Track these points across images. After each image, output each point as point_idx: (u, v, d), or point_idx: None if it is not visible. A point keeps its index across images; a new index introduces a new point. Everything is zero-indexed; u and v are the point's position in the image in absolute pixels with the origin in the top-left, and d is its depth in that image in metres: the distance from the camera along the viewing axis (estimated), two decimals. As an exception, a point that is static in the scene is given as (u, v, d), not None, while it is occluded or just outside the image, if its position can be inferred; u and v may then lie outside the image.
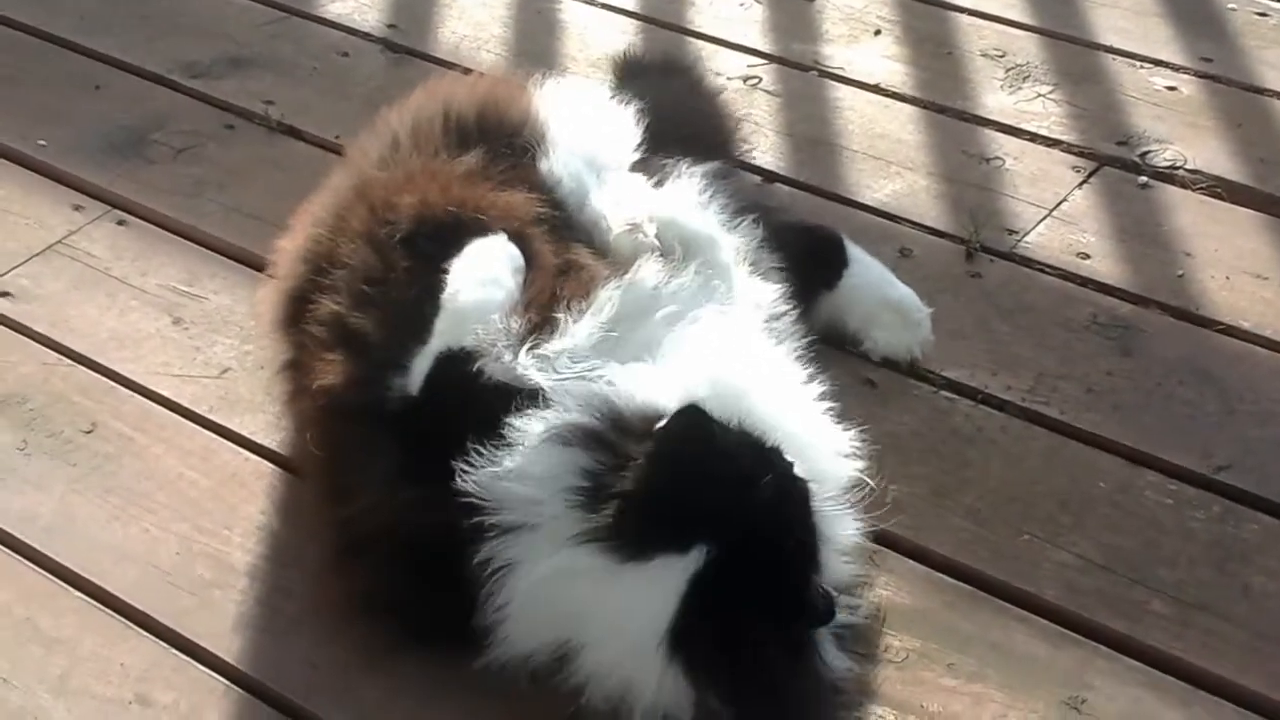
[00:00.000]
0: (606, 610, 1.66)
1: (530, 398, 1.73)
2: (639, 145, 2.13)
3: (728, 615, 1.63)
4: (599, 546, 1.65)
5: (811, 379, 1.88)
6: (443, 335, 1.79)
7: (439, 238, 1.87)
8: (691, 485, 1.64)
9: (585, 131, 2.10)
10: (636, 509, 1.64)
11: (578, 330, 1.79)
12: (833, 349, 2.18)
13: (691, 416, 1.65)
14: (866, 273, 2.27)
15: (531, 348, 1.77)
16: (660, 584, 1.63)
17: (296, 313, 1.96)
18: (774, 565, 1.65)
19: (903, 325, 2.24)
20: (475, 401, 1.75)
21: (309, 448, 1.89)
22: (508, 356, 1.76)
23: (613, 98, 2.25)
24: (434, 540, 1.73)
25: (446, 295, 1.81)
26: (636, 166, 2.11)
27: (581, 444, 1.68)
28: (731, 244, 2.02)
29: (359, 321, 1.85)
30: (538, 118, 2.10)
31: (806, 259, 2.17)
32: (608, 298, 1.82)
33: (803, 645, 1.70)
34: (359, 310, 1.86)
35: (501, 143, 2.05)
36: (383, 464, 1.78)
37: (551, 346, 1.77)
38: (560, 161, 2.04)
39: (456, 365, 1.77)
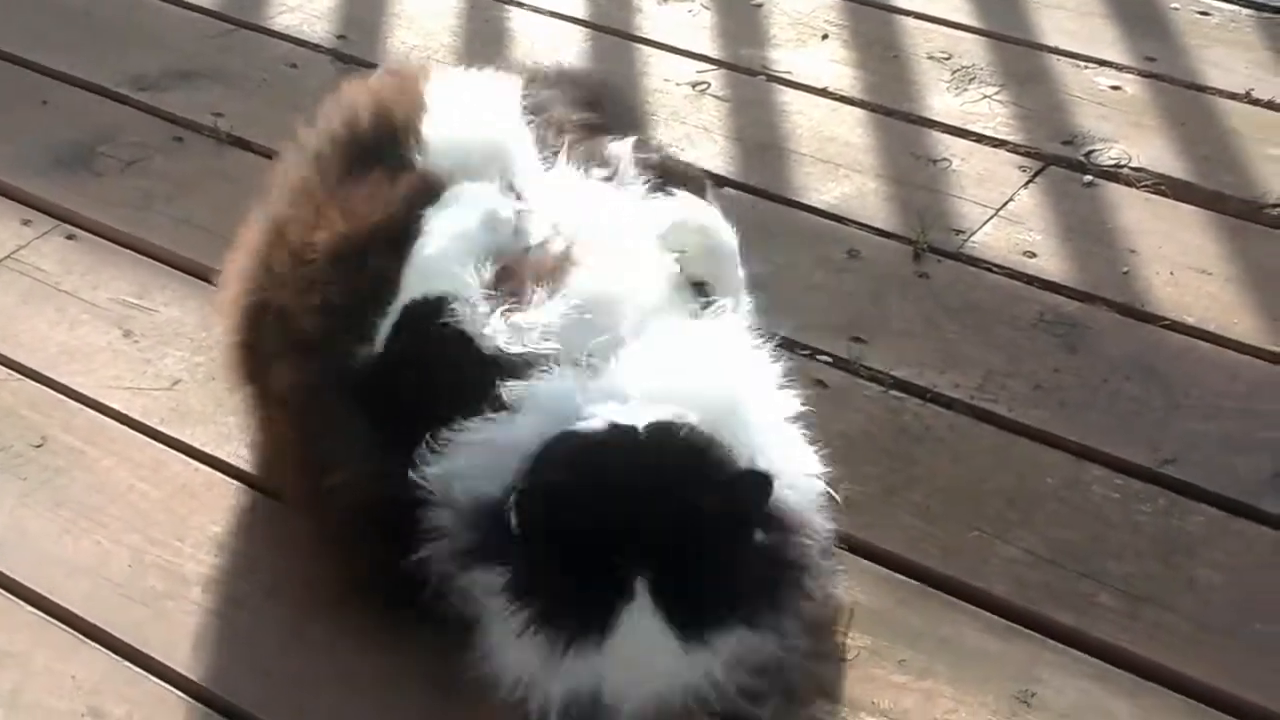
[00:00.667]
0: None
1: (496, 363, 1.72)
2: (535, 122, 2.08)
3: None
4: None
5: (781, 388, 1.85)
6: (409, 288, 1.78)
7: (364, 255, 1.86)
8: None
9: (462, 121, 2.03)
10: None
11: (550, 307, 1.77)
12: (783, 350, 2.19)
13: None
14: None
15: (506, 311, 1.75)
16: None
17: (251, 367, 1.97)
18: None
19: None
20: (443, 354, 1.74)
21: (275, 445, 1.90)
22: (482, 307, 1.75)
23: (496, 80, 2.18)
24: (414, 509, 1.71)
25: (415, 248, 1.80)
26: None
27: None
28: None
29: (309, 322, 1.84)
30: (418, 116, 2.03)
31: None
32: (581, 282, 1.80)
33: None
34: (307, 314, 1.85)
35: (397, 148, 2.01)
36: (353, 437, 1.77)
37: (524, 316, 1.75)
38: (437, 157, 1.97)
39: (423, 313, 1.76)
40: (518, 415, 1.70)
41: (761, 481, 1.64)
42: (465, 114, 2.05)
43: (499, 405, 1.70)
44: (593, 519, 1.60)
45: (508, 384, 1.70)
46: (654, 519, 1.61)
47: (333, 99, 2.17)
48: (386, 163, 1.97)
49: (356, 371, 1.79)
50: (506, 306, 1.76)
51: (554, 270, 1.82)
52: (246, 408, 2.03)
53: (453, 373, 1.74)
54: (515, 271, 1.82)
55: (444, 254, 1.80)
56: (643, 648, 1.62)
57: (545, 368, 1.72)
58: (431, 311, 1.76)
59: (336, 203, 1.93)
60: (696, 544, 1.62)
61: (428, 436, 1.70)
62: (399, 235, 1.86)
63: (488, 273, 1.79)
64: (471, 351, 1.73)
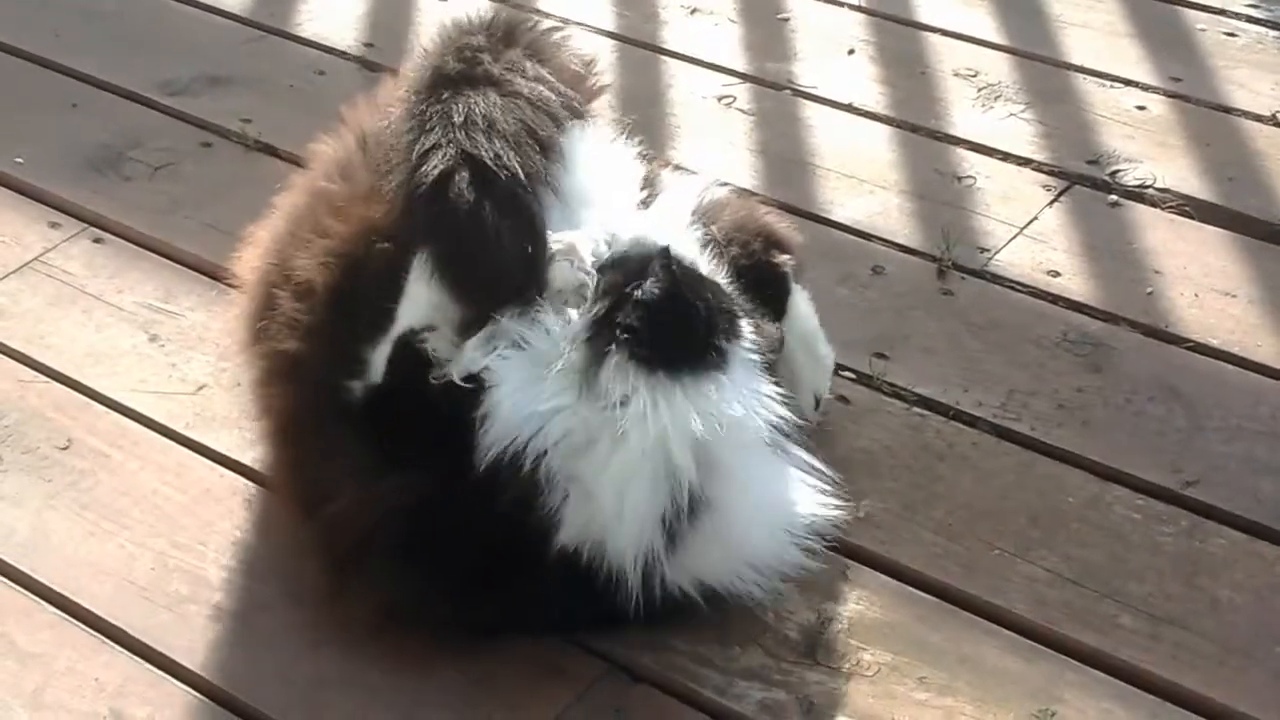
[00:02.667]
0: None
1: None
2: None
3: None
4: None
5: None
6: (402, 319, 1.81)
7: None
8: None
9: None
10: None
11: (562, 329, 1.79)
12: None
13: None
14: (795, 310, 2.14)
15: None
16: None
17: (256, 334, 1.99)
18: None
19: (812, 367, 2.14)
20: (432, 383, 1.78)
21: (278, 468, 1.94)
22: (454, 338, 1.79)
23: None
24: (427, 519, 1.75)
25: (410, 279, 1.82)
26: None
27: None
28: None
29: (302, 349, 1.88)
30: None
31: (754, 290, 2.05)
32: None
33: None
34: (299, 334, 1.89)
35: None
36: (353, 461, 1.80)
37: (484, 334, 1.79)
38: None
39: (414, 345, 1.80)
40: None
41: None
42: None
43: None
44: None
45: None
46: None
47: (371, 99, 2.20)
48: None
49: (353, 403, 1.83)
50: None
51: None
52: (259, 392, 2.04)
53: (448, 404, 1.76)
54: None
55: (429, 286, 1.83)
56: None
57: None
58: (419, 341, 1.80)
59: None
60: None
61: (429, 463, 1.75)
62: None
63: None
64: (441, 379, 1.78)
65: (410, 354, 1.80)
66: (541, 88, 1.95)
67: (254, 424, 2.09)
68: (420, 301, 1.81)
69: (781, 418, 1.80)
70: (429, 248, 1.80)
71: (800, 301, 2.13)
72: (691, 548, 1.79)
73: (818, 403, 2.13)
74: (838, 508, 1.93)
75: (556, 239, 1.81)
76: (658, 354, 1.72)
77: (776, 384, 1.84)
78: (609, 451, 1.73)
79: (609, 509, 1.73)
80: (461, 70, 1.94)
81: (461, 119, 1.84)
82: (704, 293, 1.79)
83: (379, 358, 1.82)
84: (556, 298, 1.77)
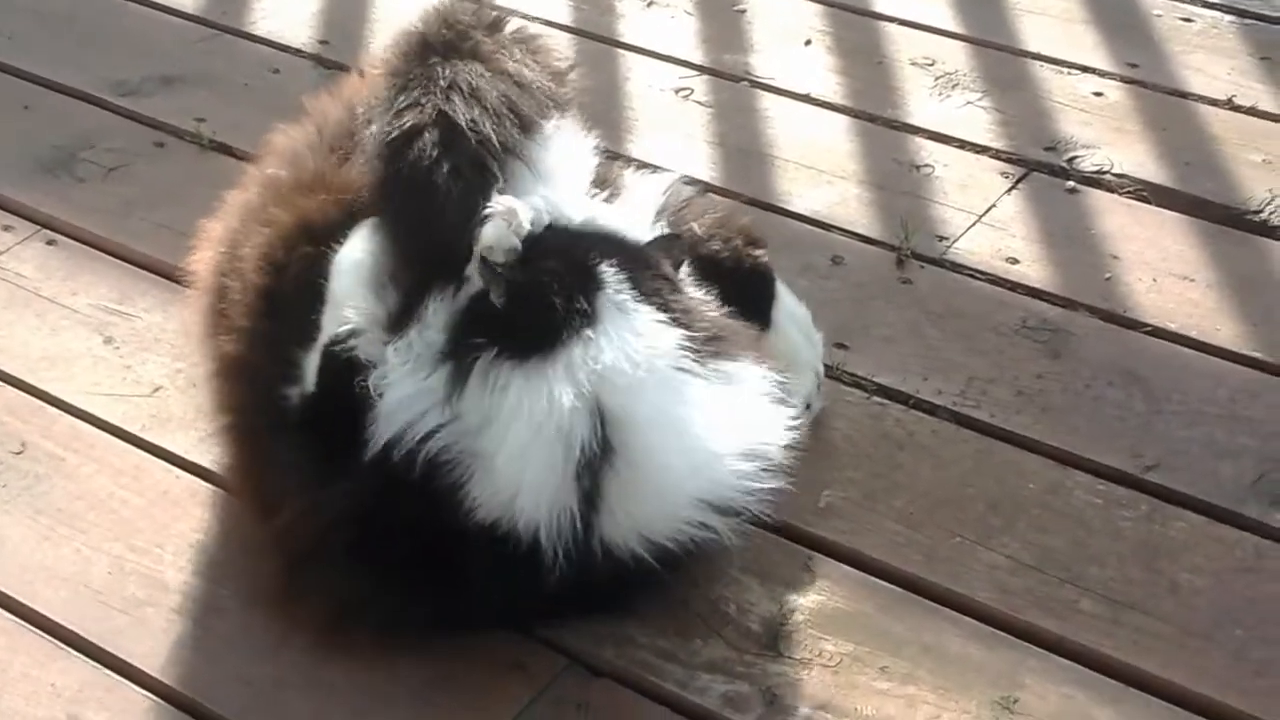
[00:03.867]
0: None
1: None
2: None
3: None
4: None
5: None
6: (326, 327, 1.81)
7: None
8: None
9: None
10: None
11: (435, 319, 1.79)
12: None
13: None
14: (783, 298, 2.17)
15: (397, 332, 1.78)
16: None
17: (208, 333, 1.98)
18: None
19: (809, 348, 2.16)
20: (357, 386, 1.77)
21: (229, 469, 1.94)
22: (379, 339, 1.78)
23: None
24: (370, 522, 1.75)
25: (330, 286, 1.82)
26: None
27: None
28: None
29: (241, 350, 1.88)
30: None
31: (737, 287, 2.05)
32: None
33: None
34: (241, 338, 1.88)
35: None
36: (297, 470, 1.79)
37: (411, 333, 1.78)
38: None
39: (342, 353, 1.79)
40: None
41: None
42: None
43: None
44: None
45: None
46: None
47: (328, 93, 2.20)
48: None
49: (294, 413, 1.82)
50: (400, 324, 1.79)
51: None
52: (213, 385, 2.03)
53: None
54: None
55: (345, 289, 1.81)
56: None
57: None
58: (345, 348, 1.79)
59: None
60: None
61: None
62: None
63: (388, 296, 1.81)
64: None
65: (338, 362, 1.78)
66: (527, 71, 1.94)
67: (210, 421, 2.07)
68: (341, 304, 1.80)
69: (678, 343, 1.75)
70: (380, 199, 1.80)
71: (784, 290, 2.16)
72: (619, 502, 1.74)
73: (819, 382, 2.14)
74: (777, 440, 1.83)
75: (499, 201, 1.78)
76: (519, 345, 1.72)
77: (676, 314, 1.80)
78: (504, 426, 1.72)
79: (513, 477, 1.71)
80: (451, 40, 1.94)
81: (446, 84, 1.84)
82: (554, 261, 1.77)
83: (310, 365, 1.81)
84: (489, 253, 1.75)
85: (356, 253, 1.83)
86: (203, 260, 2.08)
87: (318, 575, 1.80)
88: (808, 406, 2.10)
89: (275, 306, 1.87)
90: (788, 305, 2.16)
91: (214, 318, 1.97)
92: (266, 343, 1.86)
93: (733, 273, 2.05)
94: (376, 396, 1.75)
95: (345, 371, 1.77)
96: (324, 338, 1.80)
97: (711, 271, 1.97)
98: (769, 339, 2.08)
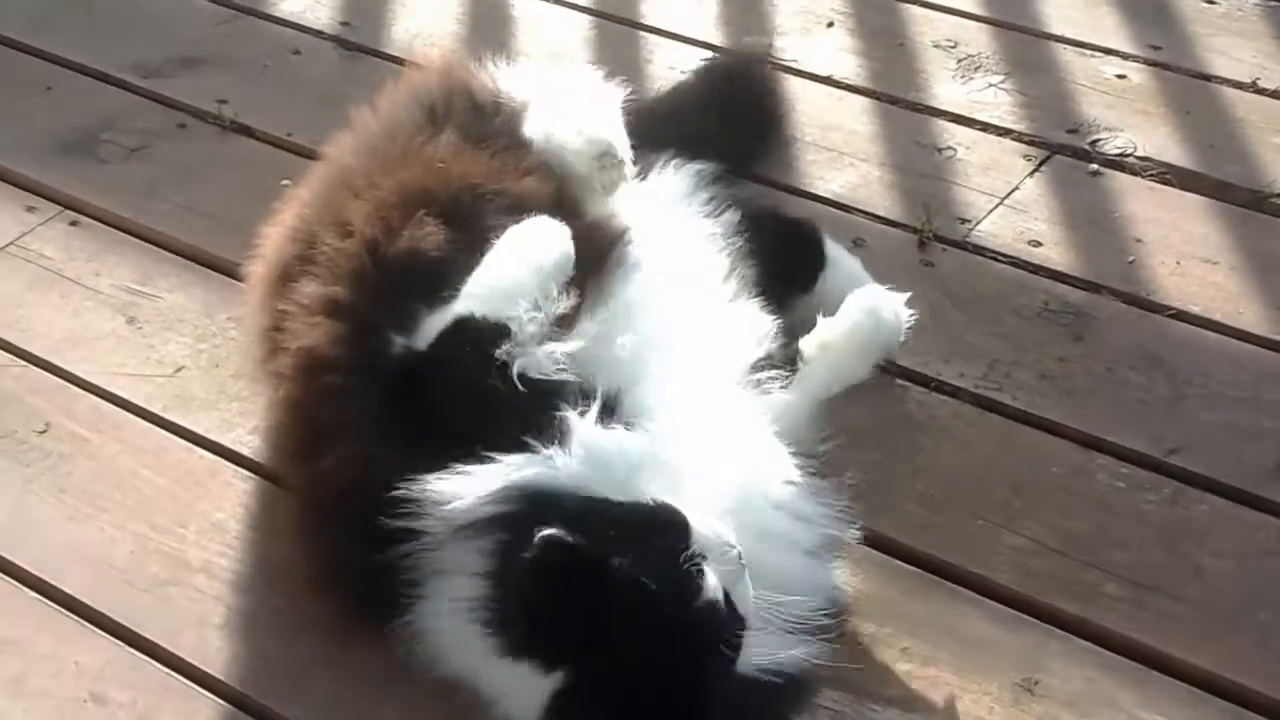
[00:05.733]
0: (491, 678, 1.67)
1: (534, 396, 1.71)
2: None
3: None
4: (484, 630, 1.64)
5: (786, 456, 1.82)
6: (470, 300, 1.77)
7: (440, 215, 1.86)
8: (566, 609, 1.59)
9: (566, 98, 2.08)
10: (515, 616, 1.62)
11: (585, 329, 1.79)
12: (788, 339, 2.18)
13: (555, 548, 1.56)
14: (845, 275, 2.22)
15: (550, 342, 1.76)
16: (527, 689, 1.62)
17: (281, 286, 1.94)
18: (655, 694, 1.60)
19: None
20: (481, 377, 1.73)
21: (283, 407, 1.86)
22: (531, 346, 1.75)
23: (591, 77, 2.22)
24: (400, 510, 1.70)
25: (486, 264, 1.79)
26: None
27: (508, 528, 1.64)
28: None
29: (344, 293, 1.83)
30: (509, 92, 2.11)
31: (784, 260, 2.14)
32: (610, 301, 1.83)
33: None
34: (344, 283, 1.84)
35: (471, 115, 2.07)
36: (366, 417, 1.75)
37: (565, 347, 1.76)
38: (543, 123, 2.03)
39: (475, 334, 1.75)
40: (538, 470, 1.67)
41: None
42: (569, 95, 2.09)
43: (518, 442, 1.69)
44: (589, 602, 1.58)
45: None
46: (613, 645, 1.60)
47: (392, 84, 2.20)
48: (465, 128, 2.03)
49: (390, 359, 1.78)
50: (553, 335, 1.77)
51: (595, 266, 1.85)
52: (268, 374, 1.98)
53: (482, 399, 1.72)
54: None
55: (514, 283, 1.78)
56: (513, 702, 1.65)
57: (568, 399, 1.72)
58: (483, 335, 1.75)
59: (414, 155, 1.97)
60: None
61: (437, 448, 1.69)
62: (465, 219, 1.87)
63: (546, 309, 1.78)
64: (505, 386, 1.72)
65: (467, 338, 1.75)
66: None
67: (262, 368, 2.00)
68: (506, 290, 1.77)
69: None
70: None
71: (836, 257, 2.25)
72: None
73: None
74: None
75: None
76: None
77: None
78: None
79: None
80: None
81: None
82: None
83: (432, 326, 1.78)
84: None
85: (537, 256, 1.81)
86: (285, 219, 2.06)
87: (343, 552, 1.78)
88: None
89: (385, 260, 1.84)
90: (843, 262, 2.26)
91: (294, 264, 1.94)
92: (369, 288, 1.83)
93: (777, 243, 2.13)
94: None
95: (468, 348, 1.74)
96: (464, 307, 1.76)
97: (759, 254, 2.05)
98: (828, 272, 2.20)
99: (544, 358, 1.75)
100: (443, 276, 1.81)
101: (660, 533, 1.62)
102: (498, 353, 1.73)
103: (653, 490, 1.66)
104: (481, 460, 1.67)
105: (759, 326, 1.96)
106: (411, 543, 1.68)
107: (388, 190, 1.92)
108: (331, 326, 1.82)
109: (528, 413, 1.70)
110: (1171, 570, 1.92)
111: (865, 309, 1.94)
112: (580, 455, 1.67)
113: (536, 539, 1.55)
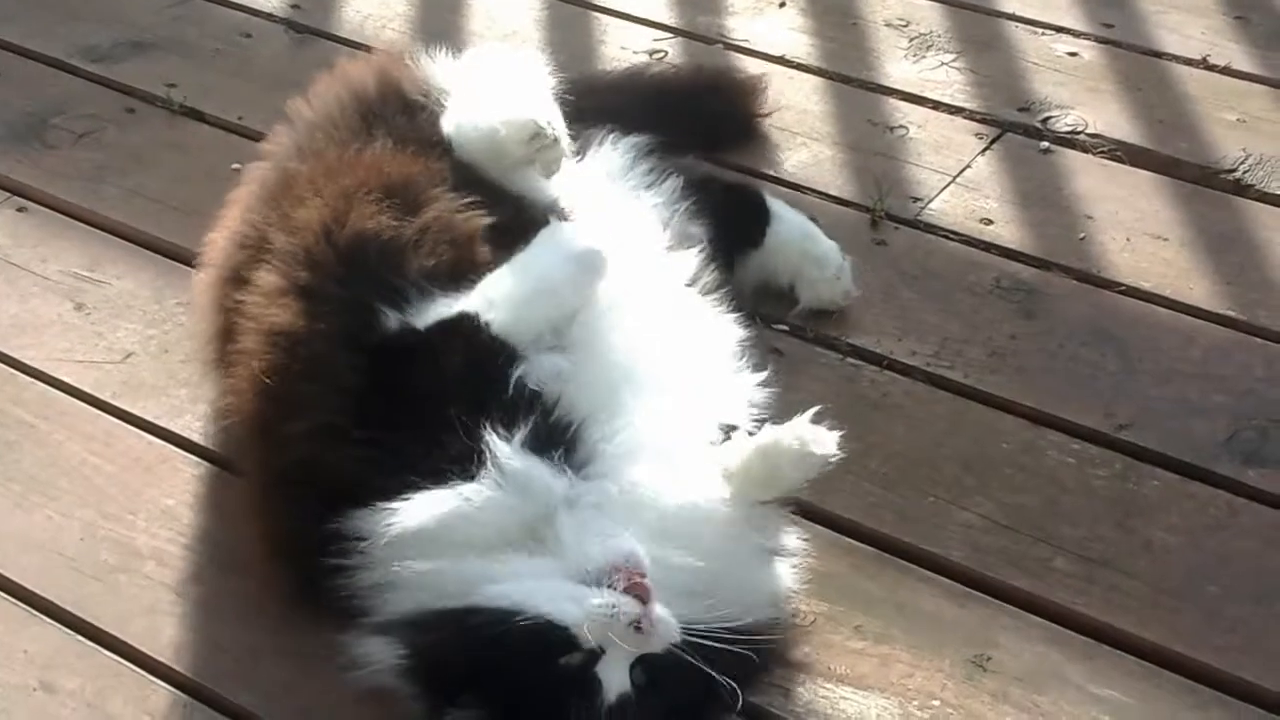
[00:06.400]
0: None
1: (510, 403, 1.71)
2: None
3: None
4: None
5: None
6: (485, 304, 1.77)
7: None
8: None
9: (491, 84, 2.07)
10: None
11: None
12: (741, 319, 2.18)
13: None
14: (789, 229, 2.31)
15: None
16: None
17: (232, 289, 1.92)
18: None
19: (825, 281, 2.27)
20: (473, 374, 1.73)
21: (247, 385, 1.83)
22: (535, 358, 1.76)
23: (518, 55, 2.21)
24: (363, 489, 1.69)
25: (517, 271, 1.79)
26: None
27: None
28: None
29: (307, 276, 1.83)
30: (436, 86, 2.09)
31: (730, 218, 2.23)
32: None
33: None
34: (306, 269, 1.84)
35: (404, 117, 2.06)
36: (341, 391, 1.74)
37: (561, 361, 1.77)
38: (461, 116, 2.02)
39: (474, 336, 1.75)
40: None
41: None
42: (489, 81, 2.08)
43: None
44: None
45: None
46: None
47: (327, 74, 2.19)
48: (396, 127, 2.03)
49: (379, 331, 1.77)
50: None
51: None
52: (219, 342, 1.96)
53: (474, 399, 1.71)
54: None
55: (539, 316, 1.79)
56: None
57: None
58: (483, 342, 1.75)
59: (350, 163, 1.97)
60: None
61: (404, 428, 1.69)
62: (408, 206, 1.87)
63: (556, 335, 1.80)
64: (505, 395, 1.72)
65: (467, 331, 1.76)
66: None
67: (212, 369, 1.99)
68: (512, 303, 1.78)
69: None
70: None
71: (780, 212, 2.29)
72: None
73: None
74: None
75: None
76: None
77: None
78: None
79: None
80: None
81: None
82: None
83: (434, 309, 1.78)
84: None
85: (587, 288, 1.82)
86: (226, 233, 2.05)
87: (296, 536, 1.78)
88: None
89: (341, 242, 1.85)
90: (786, 220, 2.32)
91: (240, 274, 1.93)
92: (331, 271, 1.83)
93: (722, 208, 2.20)
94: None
95: (465, 339, 1.74)
96: (475, 304, 1.77)
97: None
98: (774, 226, 2.27)
99: (542, 366, 1.76)
100: (397, 251, 1.82)
101: (544, 656, 1.60)
102: (498, 360, 1.73)
103: (564, 521, 1.66)
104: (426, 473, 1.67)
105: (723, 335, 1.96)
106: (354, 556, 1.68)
107: (329, 195, 1.90)
108: (299, 306, 1.81)
109: (501, 414, 1.70)
110: (1121, 545, 1.93)
111: (761, 446, 1.79)
112: (501, 482, 1.66)
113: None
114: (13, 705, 1.77)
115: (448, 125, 2.02)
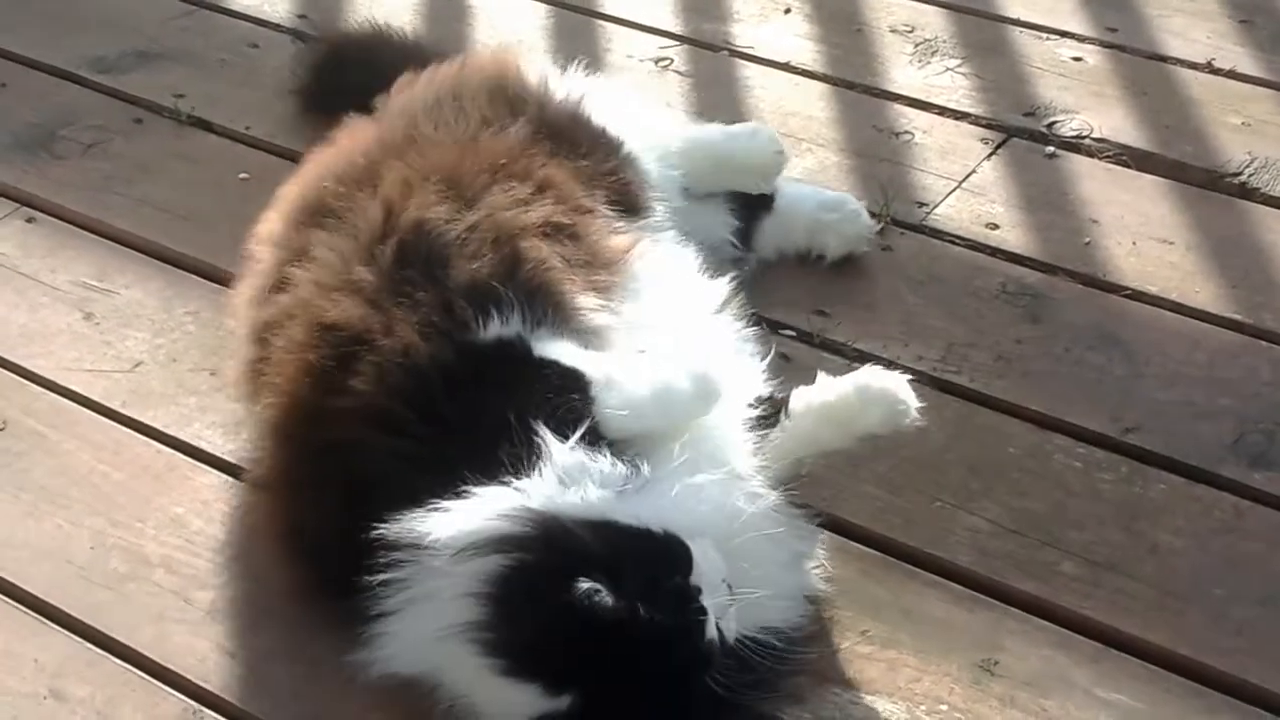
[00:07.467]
0: (477, 693, 1.65)
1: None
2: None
3: None
4: (480, 650, 1.63)
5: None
6: (603, 376, 1.75)
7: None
8: (586, 647, 1.59)
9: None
10: (528, 643, 1.62)
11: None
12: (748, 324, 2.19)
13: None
14: (796, 188, 2.41)
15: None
16: (518, 706, 1.62)
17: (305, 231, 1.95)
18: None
19: (844, 220, 2.36)
20: (524, 390, 1.73)
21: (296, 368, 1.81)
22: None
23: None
24: (396, 485, 1.69)
25: (637, 379, 1.76)
26: None
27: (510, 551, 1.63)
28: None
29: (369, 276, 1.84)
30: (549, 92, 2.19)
31: (739, 194, 2.34)
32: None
33: None
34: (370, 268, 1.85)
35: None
36: (400, 379, 1.74)
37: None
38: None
39: (586, 403, 1.73)
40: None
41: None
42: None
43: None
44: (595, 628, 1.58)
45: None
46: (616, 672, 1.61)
47: (421, 77, 2.25)
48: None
49: (456, 341, 1.77)
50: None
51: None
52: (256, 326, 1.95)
53: (519, 408, 1.70)
54: None
55: (642, 410, 1.74)
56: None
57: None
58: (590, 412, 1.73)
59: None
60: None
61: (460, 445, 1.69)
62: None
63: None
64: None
65: (576, 386, 1.74)
66: None
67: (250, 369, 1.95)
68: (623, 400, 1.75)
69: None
70: None
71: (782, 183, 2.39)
72: None
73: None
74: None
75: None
76: None
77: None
78: None
79: None
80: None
81: None
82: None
83: (494, 327, 1.77)
84: None
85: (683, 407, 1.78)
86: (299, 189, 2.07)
87: (308, 541, 1.78)
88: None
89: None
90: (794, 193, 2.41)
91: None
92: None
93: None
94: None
95: (575, 396, 1.72)
96: (595, 371, 1.75)
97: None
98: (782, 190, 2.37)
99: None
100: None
101: (668, 567, 1.63)
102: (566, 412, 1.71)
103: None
104: (474, 474, 1.65)
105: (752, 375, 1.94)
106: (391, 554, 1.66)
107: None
108: (358, 303, 1.81)
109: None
110: (1127, 548, 1.93)
111: (860, 385, 1.85)
112: (563, 480, 1.66)
113: (579, 591, 1.55)
114: (23, 713, 1.78)
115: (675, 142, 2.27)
